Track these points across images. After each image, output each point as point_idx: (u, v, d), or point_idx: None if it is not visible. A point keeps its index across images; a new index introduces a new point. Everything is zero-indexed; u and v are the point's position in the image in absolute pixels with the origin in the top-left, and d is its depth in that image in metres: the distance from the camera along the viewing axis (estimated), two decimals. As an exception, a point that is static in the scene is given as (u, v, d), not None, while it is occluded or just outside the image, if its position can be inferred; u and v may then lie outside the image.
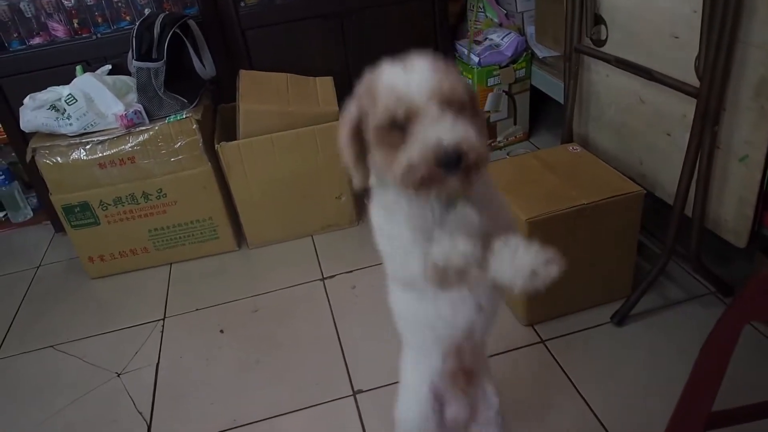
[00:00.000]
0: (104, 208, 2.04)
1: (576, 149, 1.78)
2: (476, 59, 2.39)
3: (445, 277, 0.78)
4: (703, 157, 1.42)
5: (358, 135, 0.80)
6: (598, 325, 1.65)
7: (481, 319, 0.95)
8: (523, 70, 2.47)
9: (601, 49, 1.74)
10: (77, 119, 1.91)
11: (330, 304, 1.88)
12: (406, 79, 0.74)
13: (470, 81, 2.43)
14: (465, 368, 1.06)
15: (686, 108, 1.49)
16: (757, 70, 1.28)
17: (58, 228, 2.40)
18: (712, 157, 1.42)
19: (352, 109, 0.81)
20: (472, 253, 0.76)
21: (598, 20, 1.73)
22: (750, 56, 1.29)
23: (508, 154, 2.52)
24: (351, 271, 2.01)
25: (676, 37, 1.48)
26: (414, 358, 1.06)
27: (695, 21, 1.36)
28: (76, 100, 1.90)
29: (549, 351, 1.61)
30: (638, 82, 1.64)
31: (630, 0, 1.62)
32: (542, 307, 1.66)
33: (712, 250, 1.72)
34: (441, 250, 0.77)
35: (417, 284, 0.86)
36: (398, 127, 0.73)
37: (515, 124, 2.59)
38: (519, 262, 0.76)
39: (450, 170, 0.71)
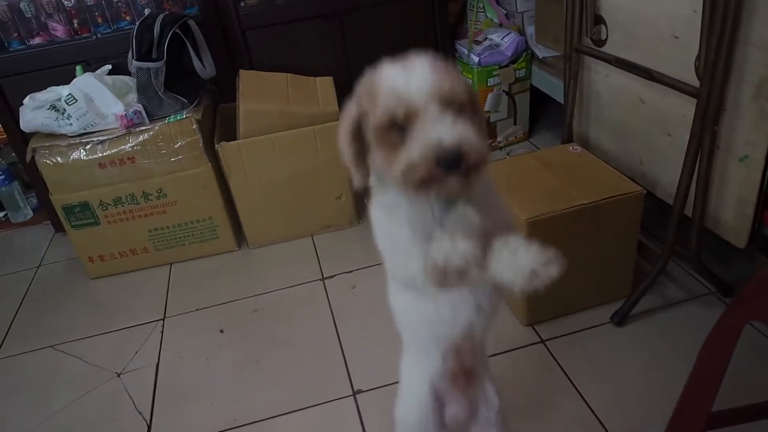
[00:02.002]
0: (104, 208, 2.04)
1: (576, 149, 1.78)
2: (476, 59, 2.39)
3: (444, 277, 0.77)
4: (703, 157, 1.42)
5: (358, 135, 0.80)
6: (598, 325, 1.65)
7: (481, 319, 0.94)
8: (523, 70, 2.47)
9: (602, 49, 1.74)
10: (77, 119, 1.91)
11: (330, 304, 1.88)
12: (406, 78, 0.73)
13: (470, 81, 2.43)
14: (465, 368, 1.05)
15: (686, 108, 1.49)
16: (757, 70, 1.28)
17: (58, 228, 2.40)
18: (712, 157, 1.42)
19: (351, 108, 0.81)
20: (472, 253, 0.76)
21: (599, 20, 1.73)
22: (750, 56, 1.29)
23: (508, 154, 2.52)
24: (351, 271, 2.01)
25: (676, 37, 1.47)
26: (414, 358, 1.06)
27: (695, 21, 1.36)
28: (76, 100, 1.90)
29: (549, 351, 1.60)
30: (638, 82, 1.64)
31: (630, 0, 1.62)
32: (542, 307, 1.66)
33: (713, 250, 1.72)
34: (440, 249, 0.76)
35: (417, 284, 0.86)
36: (398, 127, 0.73)
37: (515, 124, 2.59)
38: (519, 262, 0.75)
39: (450, 170, 0.71)
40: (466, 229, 0.81)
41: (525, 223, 1.49)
